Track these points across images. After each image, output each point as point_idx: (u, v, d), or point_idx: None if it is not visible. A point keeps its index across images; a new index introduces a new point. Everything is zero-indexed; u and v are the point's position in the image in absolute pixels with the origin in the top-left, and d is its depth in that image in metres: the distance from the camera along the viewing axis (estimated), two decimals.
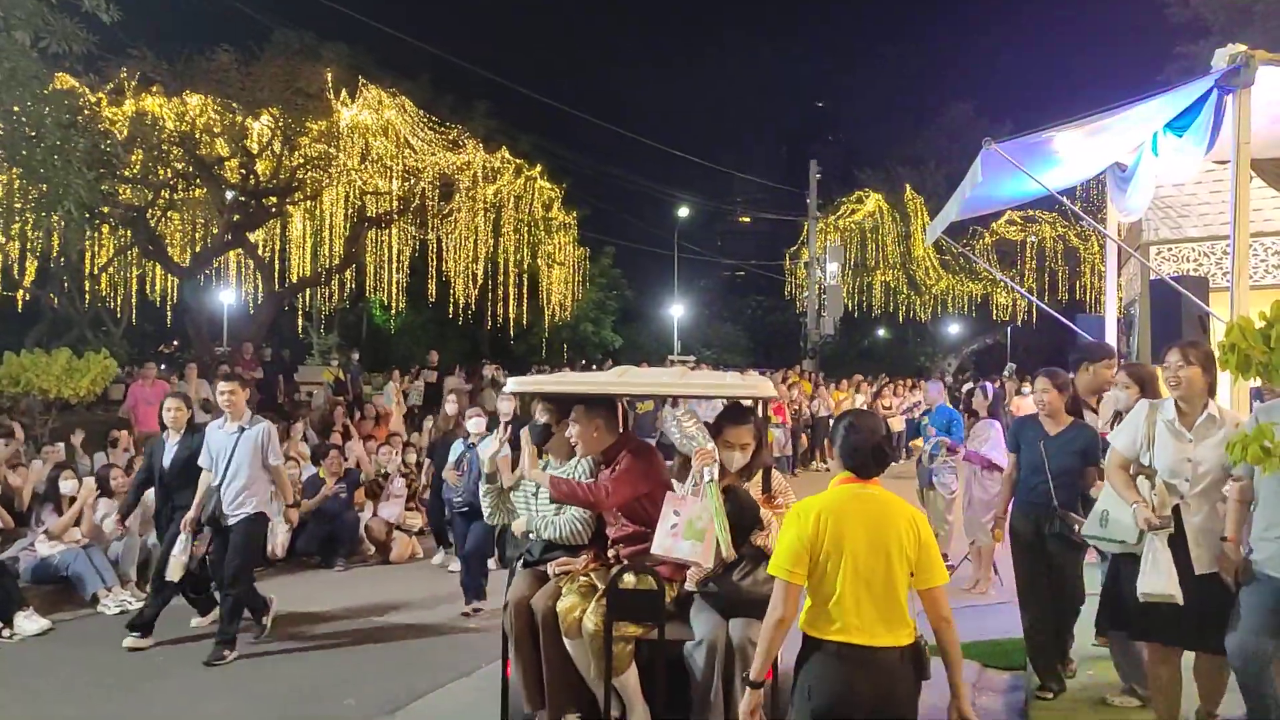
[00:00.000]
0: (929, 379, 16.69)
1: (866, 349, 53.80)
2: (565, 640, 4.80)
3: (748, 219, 43.74)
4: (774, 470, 5.09)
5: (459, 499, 8.68)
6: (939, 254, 35.76)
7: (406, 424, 16.25)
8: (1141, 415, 4.79)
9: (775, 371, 24.74)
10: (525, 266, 25.93)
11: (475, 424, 8.85)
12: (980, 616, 8.26)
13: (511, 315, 26.42)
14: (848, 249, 34.47)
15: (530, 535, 5.29)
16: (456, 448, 9.05)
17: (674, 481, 4.91)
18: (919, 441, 10.23)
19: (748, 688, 3.59)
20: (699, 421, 4.77)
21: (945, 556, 10.40)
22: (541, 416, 5.37)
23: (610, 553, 5.06)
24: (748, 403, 5.14)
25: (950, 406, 10.79)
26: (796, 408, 19.81)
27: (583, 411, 5.08)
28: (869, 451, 3.66)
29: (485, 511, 5.43)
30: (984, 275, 35.31)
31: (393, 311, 26.32)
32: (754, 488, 4.92)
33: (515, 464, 5.28)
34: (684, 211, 45.09)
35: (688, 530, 4.56)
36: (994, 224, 34.04)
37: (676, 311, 45.39)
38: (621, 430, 5.23)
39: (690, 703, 4.65)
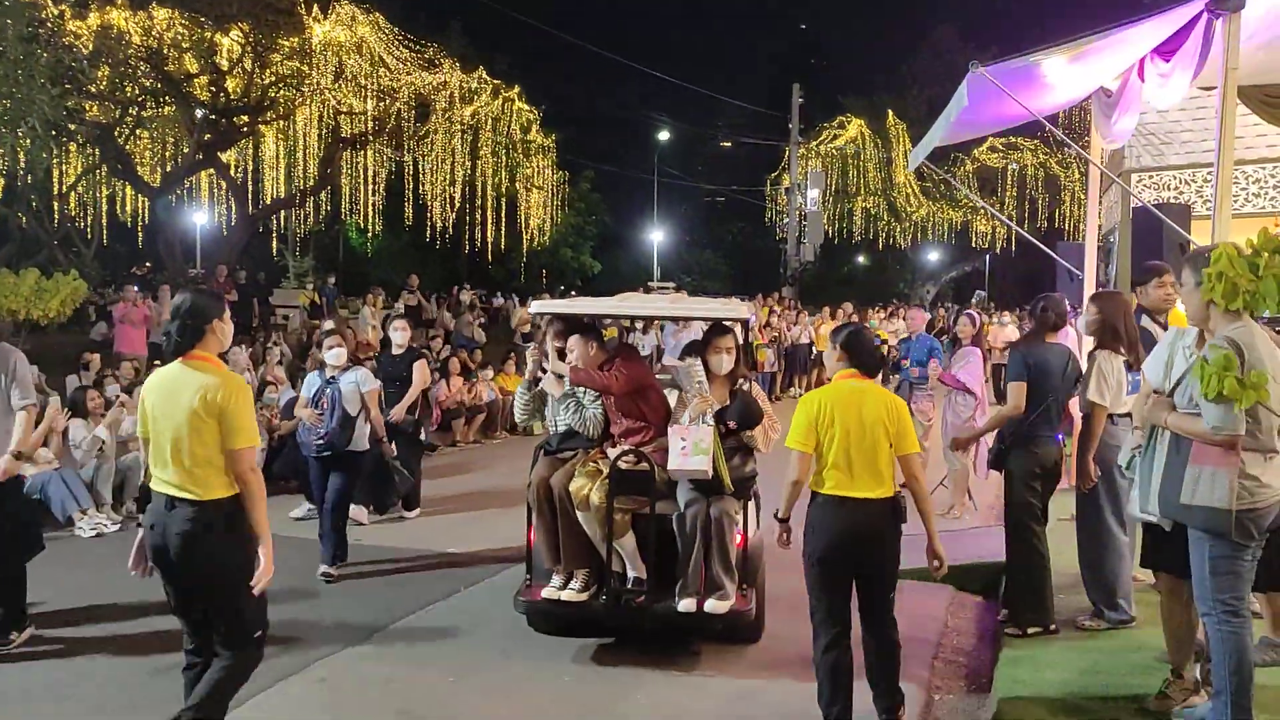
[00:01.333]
0: (912, 306, 16.74)
1: (846, 276, 53.69)
2: (576, 512, 5.99)
3: (729, 144, 43.23)
4: (754, 382, 6.34)
5: (319, 441, 7.49)
6: (920, 180, 35.60)
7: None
8: (1166, 343, 4.58)
9: (754, 299, 24.70)
10: (503, 190, 25.63)
11: (335, 355, 7.76)
12: (955, 541, 8.38)
13: (490, 239, 26.17)
14: (829, 175, 34.23)
15: (552, 429, 6.46)
16: (312, 382, 7.81)
17: (677, 418, 6.10)
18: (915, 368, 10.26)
19: (776, 521, 5.00)
20: (702, 373, 6.02)
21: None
22: (555, 340, 6.53)
23: (612, 448, 6.19)
24: (729, 324, 6.30)
25: (927, 334, 10.82)
26: (777, 334, 19.85)
27: (579, 337, 6.32)
28: (874, 353, 4.94)
29: (517, 413, 6.62)
30: (964, 202, 35.22)
31: (369, 235, 26.01)
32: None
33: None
34: (665, 136, 44.57)
35: (695, 449, 5.84)
36: (976, 151, 33.85)
37: (656, 237, 45.13)
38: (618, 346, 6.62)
39: (676, 562, 5.92)
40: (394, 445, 8.38)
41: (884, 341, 21.02)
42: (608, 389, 6.19)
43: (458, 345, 17.31)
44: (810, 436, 4.77)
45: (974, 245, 37.22)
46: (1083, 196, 30.97)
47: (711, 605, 5.77)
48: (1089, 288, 9.64)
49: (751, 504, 6.21)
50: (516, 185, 25.80)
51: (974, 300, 26.60)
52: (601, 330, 6.70)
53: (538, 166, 26.08)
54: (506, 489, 10.62)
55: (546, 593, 6.04)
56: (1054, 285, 10.21)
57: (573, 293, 37.20)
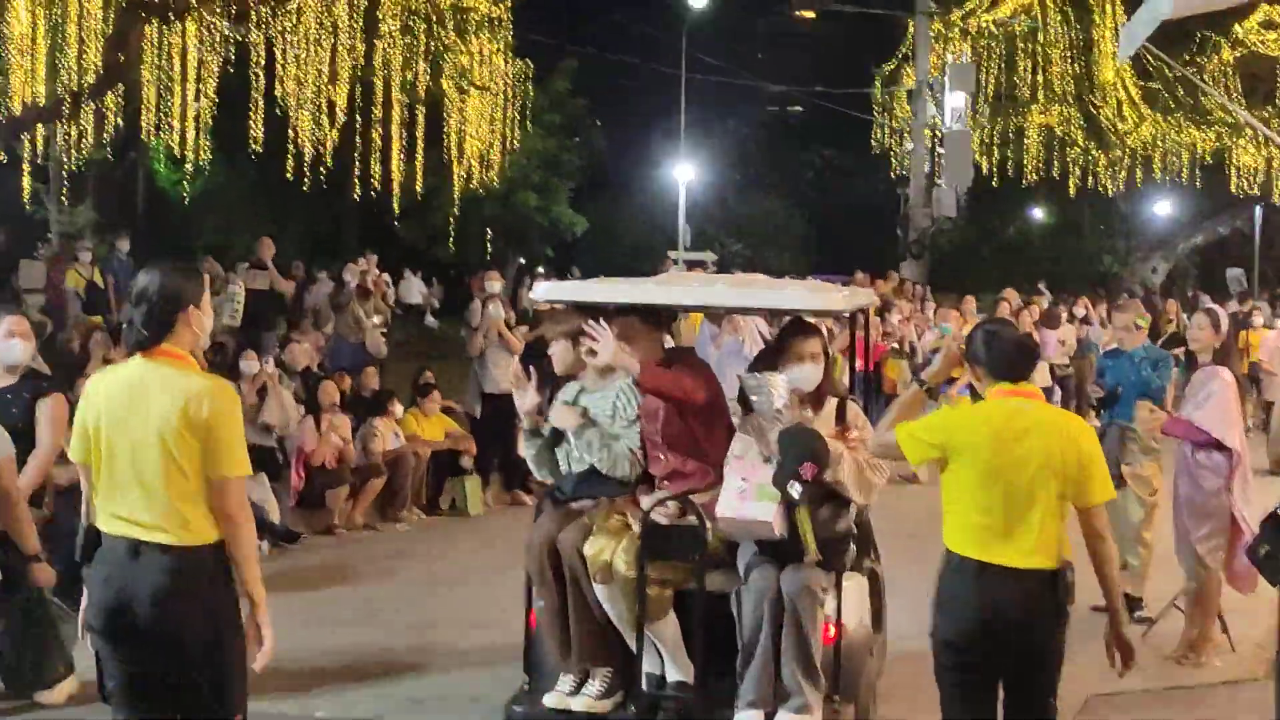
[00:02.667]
0: (1123, 301, 16.70)
1: (1009, 243, 53.74)
2: (595, 585, 6.83)
3: (811, 14, 43.13)
4: (850, 401, 7.17)
5: None
6: (1140, 80, 35.66)
7: (210, 360, 16.21)
8: None
9: (852, 281, 24.69)
10: (420, 93, 25.73)
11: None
12: (1189, 705, 8.49)
13: (396, 178, 26.27)
14: (982, 70, 34.29)
15: (564, 468, 7.45)
16: None
17: (734, 446, 6.98)
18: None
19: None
20: (784, 392, 6.75)
21: (1137, 604, 10.62)
22: (557, 341, 7.55)
23: (648, 499, 7.08)
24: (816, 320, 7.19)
25: (1153, 344, 10.85)
26: (898, 343, 19.91)
27: (641, 324, 7.24)
28: (1013, 348, 5.76)
29: (534, 468, 7.71)
30: (1218, 116, 35.23)
31: (189, 168, 26.07)
32: (825, 421, 6.96)
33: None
34: (698, 1, 44.40)
35: (759, 493, 6.56)
36: (1238, 27, 33.90)
37: (684, 175, 45.23)
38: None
39: (734, 659, 6.71)
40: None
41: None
42: (688, 396, 7.06)
43: (336, 362, 17.35)
44: (923, 450, 5.73)
45: (1235, 190, 37.23)
46: None
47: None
48: None
49: (854, 582, 7.14)
50: (444, 85, 25.89)
51: (1233, 286, 26.51)
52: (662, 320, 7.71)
53: (480, 52, 26.19)
54: (426, 624, 11.15)
55: (551, 700, 6.88)
56: None
57: (540, 272, 37.35)
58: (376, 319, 19.08)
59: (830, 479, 6.71)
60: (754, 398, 6.89)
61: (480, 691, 8.72)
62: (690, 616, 6.84)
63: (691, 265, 30.78)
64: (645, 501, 6.99)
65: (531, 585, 7.06)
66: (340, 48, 23.24)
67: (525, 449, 7.68)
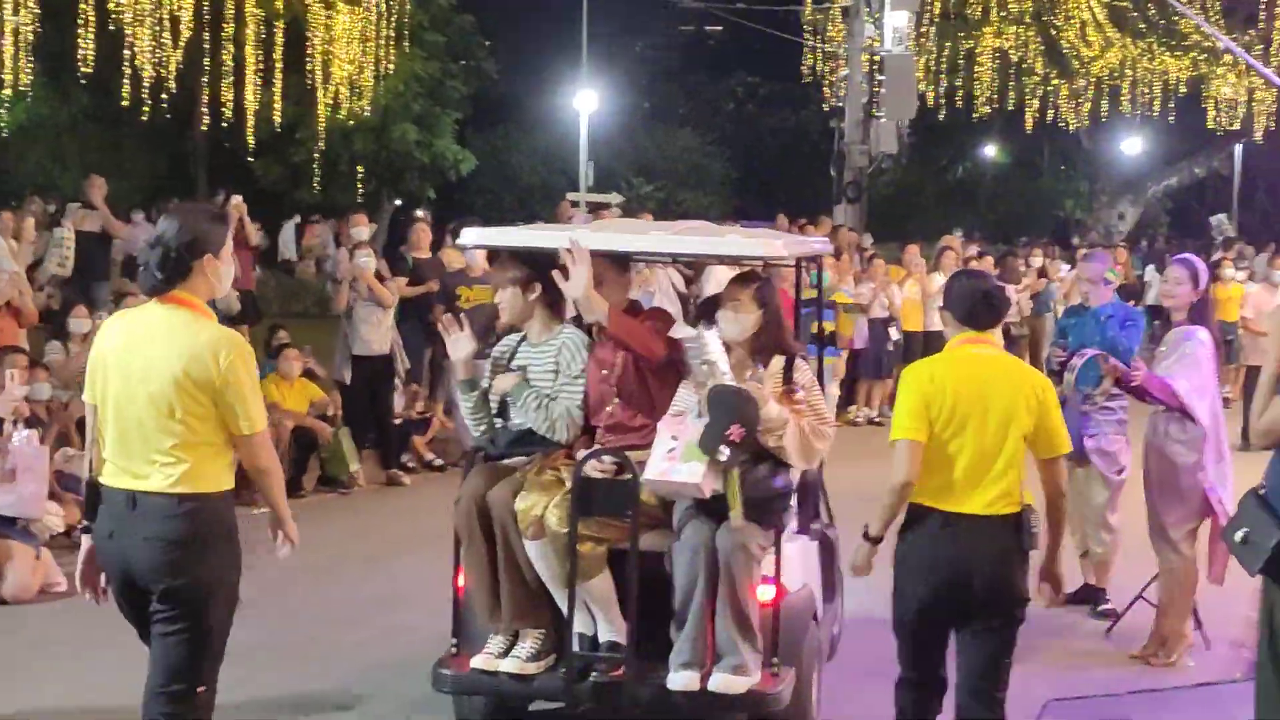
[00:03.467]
0: (1091, 250, 16.85)
1: (958, 184, 54.07)
2: (526, 542, 7.33)
3: None
4: (801, 360, 7.74)
5: None
6: None
7: (46, 327, 16.02)
8: None
9: (779, 225, 24.78)
10: (279, 7, 25.51)
11: None
12: (1158, 708, 8.68)
13: (251, 107, 26.03)
14: None
15: (501, 424, 8.05)
16: None
17: (675, 403, 7.60)
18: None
19: (867, 542, 6.71)
20: (719, 350, 7.27)
21: (1100, 596, 10.74)
22: (505, 287, 8.02)
23: (584, 452, 7.63)
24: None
25: (1124, 302, 10.89)
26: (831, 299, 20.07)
27: (609, 266, 7.81)
28: (980, 297, 6.67)
29: (471, 430, 8.16)
30: (1194, 40, 35.59)
31: (7, 93, 25.69)
32: (771, 379, 7.51)
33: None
34: None
35: (687, 453, 7.12)
36: None
37: (586, 105, 45.14)
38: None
39: (670, 618, 7.29)
40: None
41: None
42: (650, 353, 7.66)
43: None
44: (923, 421, 6.49)
45: (1212, 126, 37.66)
46: None
47: (721, 682, 7.11)
48: None
49: (798, 545, 7.97)
50: (305, 1, 25.70)
51: (1213, 230, 26.75)
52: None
53: None
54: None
55: (479, 662, 7.39)
56: None
57: (420, 215, 37.21)
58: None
59: (771, 444, 7.29)
60: (689, 354, 7.40)
61: (364, 691, 9.03)
62: (624, 576, 7.33)
63: (594, 208, 30.71)
64: (580, 455, 7.51)
65: (459, 544, 7.53)
66: None
67: (462, 402, 8.17)
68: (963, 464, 6.48)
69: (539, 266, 7.91)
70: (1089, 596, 11.02)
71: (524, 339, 8.16)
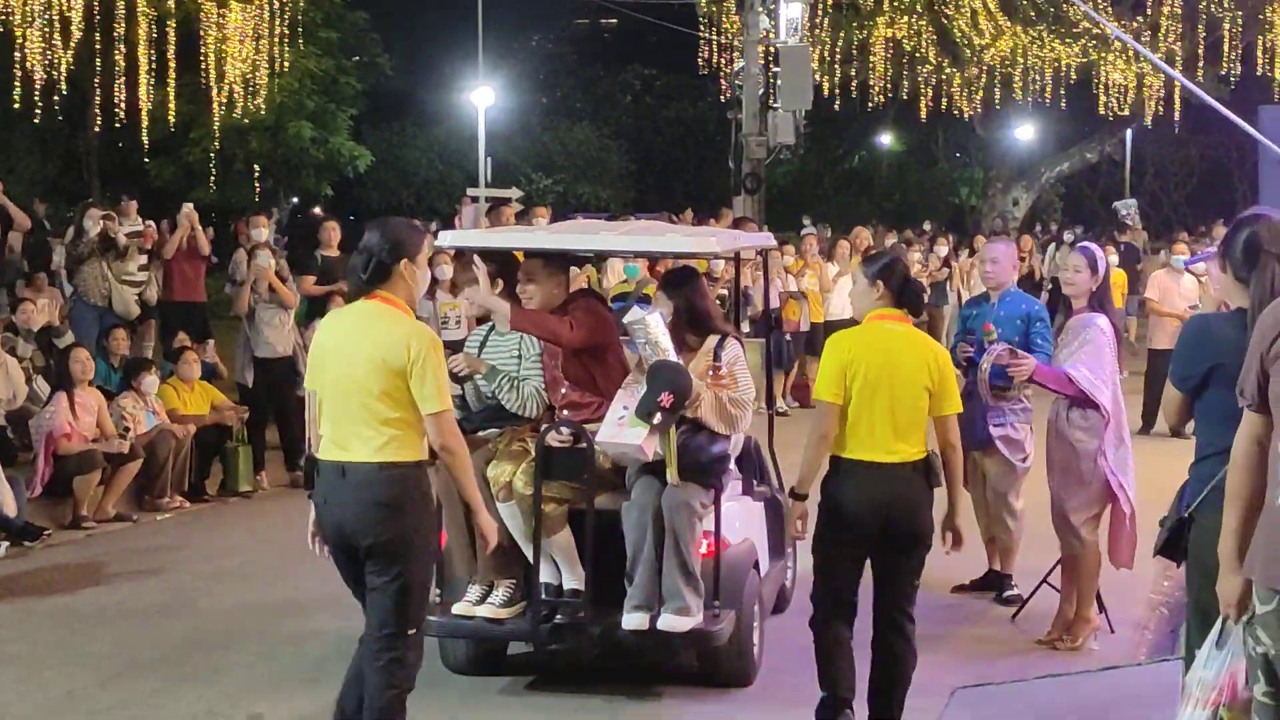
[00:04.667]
0: (994, 235, 16.94)
1: (856, 175, 54.43)
2: (497, 504, 8.47)
3: None
4: (734, 340, 8.96)
5: None
6: None
7: None
8: None
9: (682, 219, 24.82)
10: (171, 6, 25.28)
11: None
12: (1069, 691, 8.65)
13: (145, 107, 25.78)
14: None
15: (474, 405, 9.21)
16: None
17: (629, 378, 8.80)
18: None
19: (792, 499, 7.95)
20: (661, 329, 8.43)
21: (1005, 582, 10.80)
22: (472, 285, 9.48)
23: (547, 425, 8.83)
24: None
25: (1024, 293, 10.91)
26: (725, 291, 20.06)
27: (540, 265, 8.94)
28: (902, 281, 7.90)
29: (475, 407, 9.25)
30: (1084, 28, 35.89)
31: None
32: (703, 356, 8.76)
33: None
34: None
35: (633, 420, 8.30)
36: None
37: (483, 100, 45.01)
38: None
39: (623, 568, 8.54)
40: None
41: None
42: (558, 339, 8.74)
43: (76, 328, 16.98)
44: (841, 386, 7.61)
45: (1105, 112, 38.00)
46: None
47: (668, 622, 8.31)
48: None
49: (740, 504, 9.28)
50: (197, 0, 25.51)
51: (1122, 212, 26.78)
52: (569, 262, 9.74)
53: None
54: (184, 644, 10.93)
55: (459, 608, 8.57)
56: (1252, 188, 10.55)
57: (317, 213, 36.86)
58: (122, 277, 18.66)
59: (689, 414, 8.41)
60: (634, 334, 8.52)
61: (273, 699, 9.01)
62: (583, 531, 8.56)
63: (494, 203, 30.66)
64: (543, 429, 8.67)
65: (440, 507, 8.20)
66: None
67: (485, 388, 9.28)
68: (878, 421, 7.60)
69: (504, 263, 9.28)
70: (994, 583, 11.11)
71: (493, 328, 9.35)
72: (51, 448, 13.80)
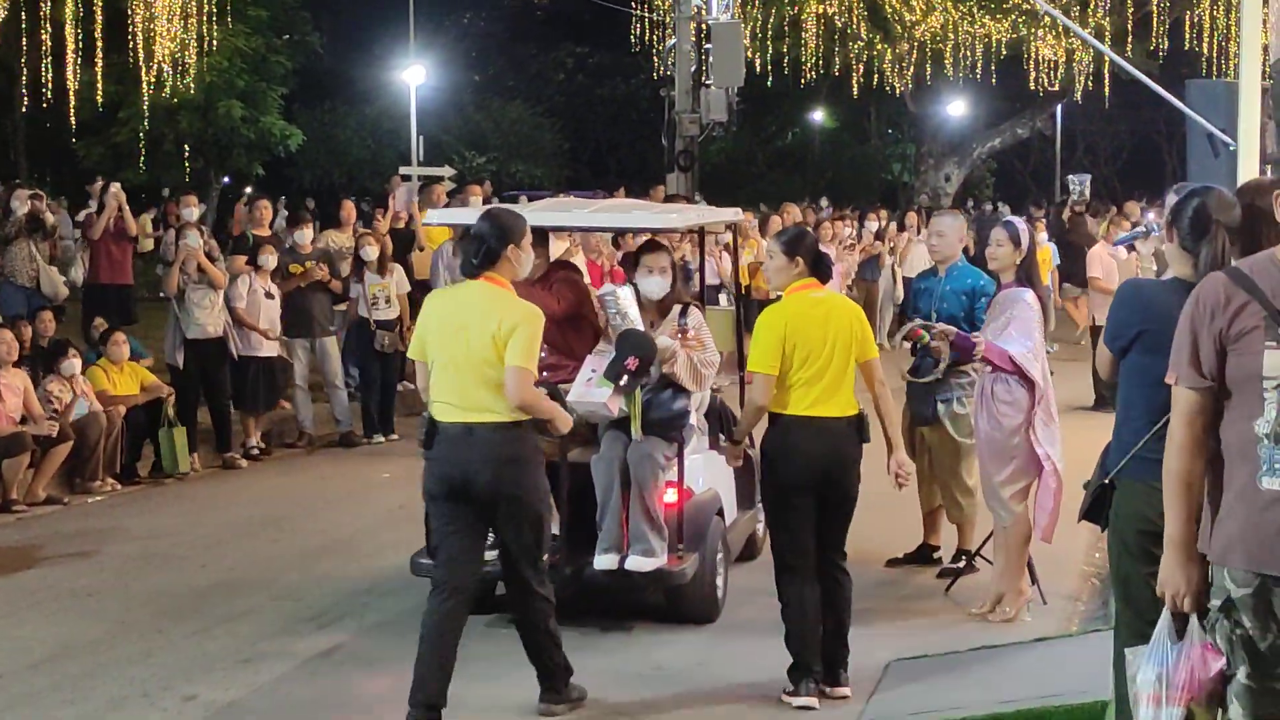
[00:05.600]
0: (941, 211, 16.94)
1: (787, 150, 54.54)
2: None
3: None
4: (694, 308, 10.06)
5: None
6: None
7: None
8: None
9: (613, 195, 24.82)
10: None
11: None
12: (999, 665, 8.73)
13: (72, 87, 25.58)
14: None
15: None
16: None
17: (600, 344, 9.94)
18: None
19: (730, 443, 9.28)
20: (630, 301, 9.53)
21: (963, 560, 10.86)
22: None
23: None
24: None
25: (971, 266, 10.92)
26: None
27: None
28: (828, 258, 8.90)
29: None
30: (1014, 4, 36.04)
31: None
32: (668, 324, 9.82)
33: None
34: None
35: (600, 381, 9.30)
36: None
37: (414, 78, 44.85)
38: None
39: (594, 515, 9.59)
40: None
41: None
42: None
43: (4, 309, 16.86)
44: (776, 358, 8.33)
45: (1035, 88, 38.20)
46: None
47: (634, 562, 9.28)
48: (1244, 167, 10.00)
49: (703, 456, 10.23)
50: None
51: (1073, 188, 26.77)
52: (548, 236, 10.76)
53: None
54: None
55: None
56: (1181, 163, 10.62)
57: (248, 192, 36.83)
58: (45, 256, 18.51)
59: (665, 370, 9.55)
60: (606, 306, 9.66)
61: (209, 678, 9.08)
62: (558, 482, 9.35)
63: (425, 181, 30.56)
64: None
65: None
66: None
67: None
68: (813, 381, 8.33)
69: None
70: (927, 556, 11.19)
71: None
72: None
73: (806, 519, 8.39)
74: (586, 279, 12.99)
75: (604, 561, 9.35)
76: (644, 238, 11.68)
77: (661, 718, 8.44)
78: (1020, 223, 10.33)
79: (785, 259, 8.47)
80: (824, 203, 37.31)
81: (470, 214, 10.51)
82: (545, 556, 8.20)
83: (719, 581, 9.98)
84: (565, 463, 9.52)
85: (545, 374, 9.46)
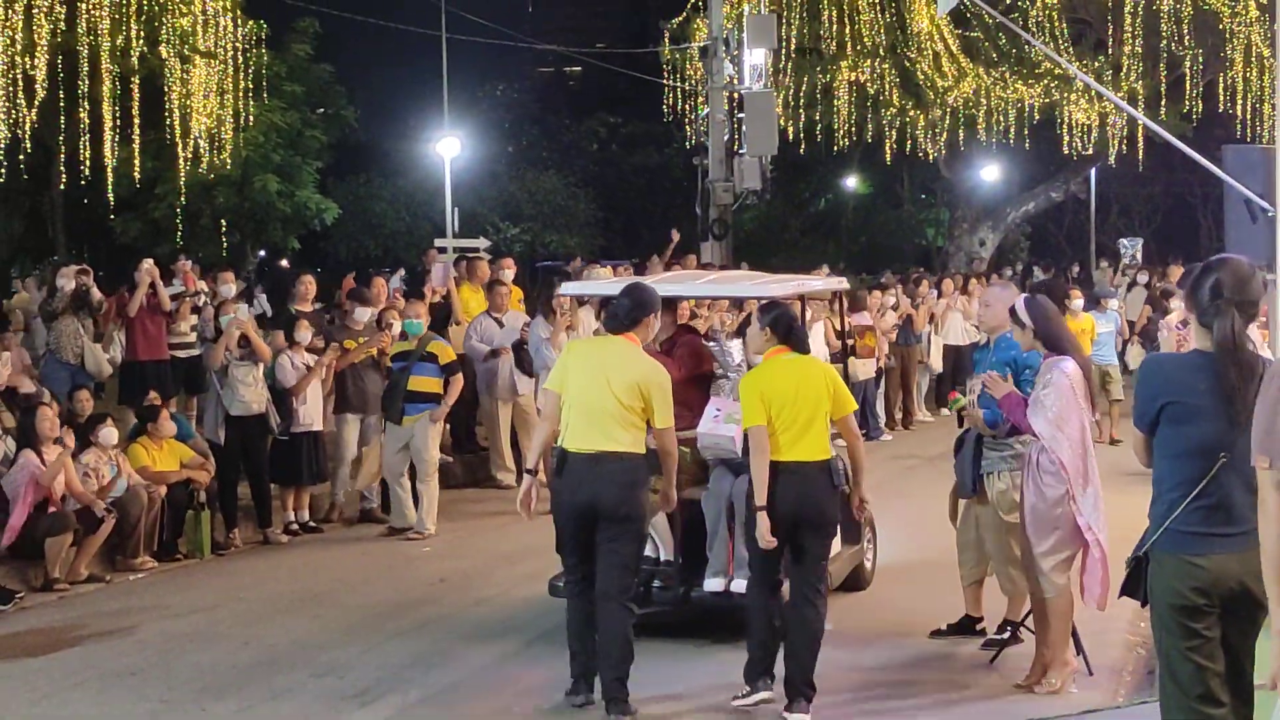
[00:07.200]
0: (993, 280, 16.91)
1: (822, 218, 54.60)
2: None
3: None
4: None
5: None
6: (958, 30, 36.36)
7: None
8: None
9: (647, 265, 24.89)
10: (135, 63, 25.25)
11: None
12: None
13: (110, 164, 25.73)
14: (783, 22, 34.69)
15: None
16: None
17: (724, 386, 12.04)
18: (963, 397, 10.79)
19: (759, 509, 9.55)
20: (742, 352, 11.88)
21: (1007, 630, 10.77)
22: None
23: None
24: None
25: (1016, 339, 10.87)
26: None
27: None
28: (804, 333, 10.40)
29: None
30: (1046, 69, 36.09)
31: None
32: None
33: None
34: None
35: (728, 419, 10.92)
36: None
37: (449, 150, 45.04)
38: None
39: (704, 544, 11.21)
40: None
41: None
42: (672, 377, 10.31)
43: (52, 385, 16.94)
44: (764, 411, 9.49)
45: (1067, 152, 38.16)
46: (1267, 52, 32.11)
47: (738, 585, 10.59)
48: None
49: None
50: (162, 52, 25.46)
51: (1125, 253, 26.47)
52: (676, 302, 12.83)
53: (204, 12, 25.79)
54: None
55: None
56: (1217, 226, 10.61)
57: (284, 264, 36.84)
58: (91, 335, 18.61)
59: None
60: (725, 357, 12.21)
61: None
62: (673, 515, 10.96)
63: (461, 254, 30.67)
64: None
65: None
66: (36, 9, 22.69)
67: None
68: (791, 432, 9.47)
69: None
70: (969, 628, 11.14)
71: None
72: (31, 498, 13.78)
73: (773, 556, 9.50)
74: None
75: (712, 584, 10.91)
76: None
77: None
78: (999, 286, 10.58)
79: (758, 329, 9.90)
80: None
81: (612, 285, 12.41)
82: (636, 576, 9.83)
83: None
84: (680, 500, 10.67)
85: None
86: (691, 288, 13.62)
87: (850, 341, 20.56)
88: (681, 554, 11.23)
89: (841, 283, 15.08)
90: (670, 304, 11.96)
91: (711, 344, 12.71)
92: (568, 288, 14.88)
